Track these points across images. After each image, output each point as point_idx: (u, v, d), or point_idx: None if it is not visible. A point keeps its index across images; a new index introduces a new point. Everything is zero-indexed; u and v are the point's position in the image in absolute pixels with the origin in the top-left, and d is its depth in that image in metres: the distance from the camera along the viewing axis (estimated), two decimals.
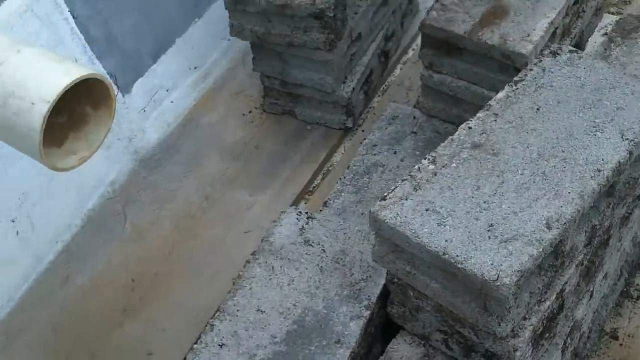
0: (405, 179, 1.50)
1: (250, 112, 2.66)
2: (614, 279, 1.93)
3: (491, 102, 1.65)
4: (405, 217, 1.43)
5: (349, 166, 2.24)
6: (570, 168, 1.49)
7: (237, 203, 2.36)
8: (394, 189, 1.49)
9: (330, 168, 2.46)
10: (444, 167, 1.52)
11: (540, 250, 1.36)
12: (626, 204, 1.68)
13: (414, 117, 2.32)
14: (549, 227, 1.39)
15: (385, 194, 1.48)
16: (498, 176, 1.49)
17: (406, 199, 1.47)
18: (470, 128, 1.60)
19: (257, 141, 2.55)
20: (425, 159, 1.55)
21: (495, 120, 1.61)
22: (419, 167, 1.53)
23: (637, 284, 2.06)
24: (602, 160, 1.50)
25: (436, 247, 1.38)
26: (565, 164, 1.50)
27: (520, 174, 1.49)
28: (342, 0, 2.28)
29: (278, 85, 2.57)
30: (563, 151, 1.53)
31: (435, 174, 1.51)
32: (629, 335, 1.96)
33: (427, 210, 1.44)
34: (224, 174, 2.45)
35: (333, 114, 2.51)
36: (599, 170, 1.48)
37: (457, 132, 1.59)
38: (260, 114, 2.65)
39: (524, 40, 2.00)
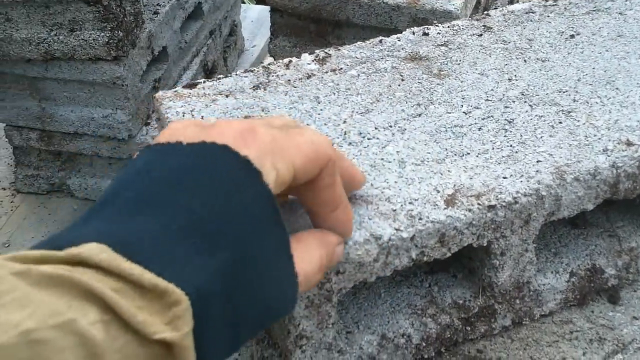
0: (254, 70, 0.78)
1: None
2: None
3: (491, 12, 0.87)
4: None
5: None
6: (571, 126, 0.67)
7: None
8: (221, 78, 0.77)
9: None
10: (333, 71, 0.78)
11: None
12: None
13: None
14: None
15: (201, 80, 0.77)
16: (418, 105, 0.71)
17: (226, 97, 0.74)
18: (425, 34, 0.83)
19: (8, 239, 1.62)
20: (310, 53, 0.81)
21: (480, 36, 0.82)
22: (289, 61, 0.80)
23: None
24: None
25: None
26: (566, 118, 0.68)
27: (459, 115, 0.69)
28: None
29: (37, 141, 1.58)
30: (575, 100, 0.71)
31: (310, 77, 0.77)
32: None
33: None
34: None
35: None
36: (629, 144, 0.64)
37: (396, 35, 0.84)
38: (10, 198, 1.69)
39: None
